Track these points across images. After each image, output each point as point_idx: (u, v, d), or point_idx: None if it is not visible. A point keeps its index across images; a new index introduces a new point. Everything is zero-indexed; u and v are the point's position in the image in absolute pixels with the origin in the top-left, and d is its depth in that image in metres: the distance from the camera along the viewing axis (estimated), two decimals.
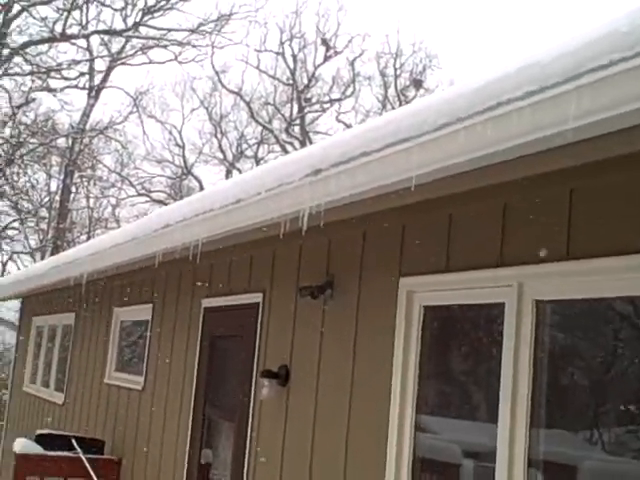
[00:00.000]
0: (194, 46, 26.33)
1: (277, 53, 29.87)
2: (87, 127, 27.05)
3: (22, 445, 6.97)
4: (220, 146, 31.66)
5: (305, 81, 29.98)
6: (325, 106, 30.42)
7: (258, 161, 29.48)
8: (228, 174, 29.91)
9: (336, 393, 4.23)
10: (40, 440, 7.08)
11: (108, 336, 8.14)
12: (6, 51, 23.51)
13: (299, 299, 4.64)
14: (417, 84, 28.54)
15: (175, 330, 6.54)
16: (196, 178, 31.19)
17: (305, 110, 29.92)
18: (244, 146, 31.86)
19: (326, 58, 29.52)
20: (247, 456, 5.03)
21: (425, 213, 3.70)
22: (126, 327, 8.11)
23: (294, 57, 29.84)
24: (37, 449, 6.93)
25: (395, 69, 29.32)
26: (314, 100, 30.33)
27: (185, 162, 31.62)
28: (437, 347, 3.77)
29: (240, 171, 28.22)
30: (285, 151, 27.08)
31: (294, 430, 4.61)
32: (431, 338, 3.73)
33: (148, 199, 31.22)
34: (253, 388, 5.07)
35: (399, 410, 3.72)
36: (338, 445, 4.11)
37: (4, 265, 28.69)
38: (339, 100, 30.07)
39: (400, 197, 3.33)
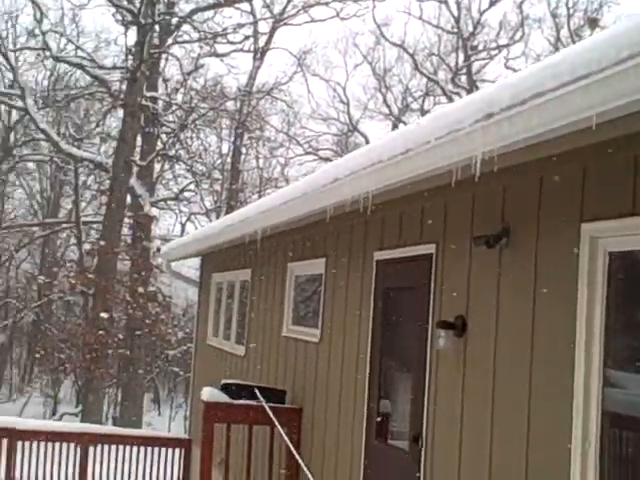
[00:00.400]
0: (355, 1, 26.27)
1: (440, 1, 29.18)
2: (254, 89, 27.77)
3: (210, 394, 7.27)
4: (385, 100, 31.57)
5: (470, 28, 29.13)
6: (492, 53, 29.48)
7: (424, 114, 29.11)
8: (394, 129, 29.77)
9: (516, 344, 4.12)
10: (225, 389, 7.36)
11: (284, 290, 8.37)
12: (175, 20, 24.46)
13: (474, 248, 4.54)
14: (593, 23, 26.89)
15: (348, 283, 6.62)
16: (362, 134, 31.32)
17: (471, 58, 29.11)
18: (409, 99, 31.63)
19: (492, 3, 28.46)
20: (426, 408, 5.02)
21: (608, 154, 3.49)
22: (300, 282, 8.31)
23: (458, 4, 29.03)
24: (223, 397, 7.22)
25: (567, 9, 27.79)
26: (480, 47, 29.44)
27: (350, 119, 31.83)
28: (625, 296, 3.55)
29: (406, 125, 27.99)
30: (452, 102, 26.54)
31: (473, 381, 4.54)
32: (618, 286, 3.51)
33: (316, 157, 31.77)
34: (429, 339, 5.04)
35: (585, 362, 3.55)
36: (520, 396, 4.01)
37: (183, 226, 30.26)
38: (507, 46, 29.01)
39: (579, 138, 3.17)
